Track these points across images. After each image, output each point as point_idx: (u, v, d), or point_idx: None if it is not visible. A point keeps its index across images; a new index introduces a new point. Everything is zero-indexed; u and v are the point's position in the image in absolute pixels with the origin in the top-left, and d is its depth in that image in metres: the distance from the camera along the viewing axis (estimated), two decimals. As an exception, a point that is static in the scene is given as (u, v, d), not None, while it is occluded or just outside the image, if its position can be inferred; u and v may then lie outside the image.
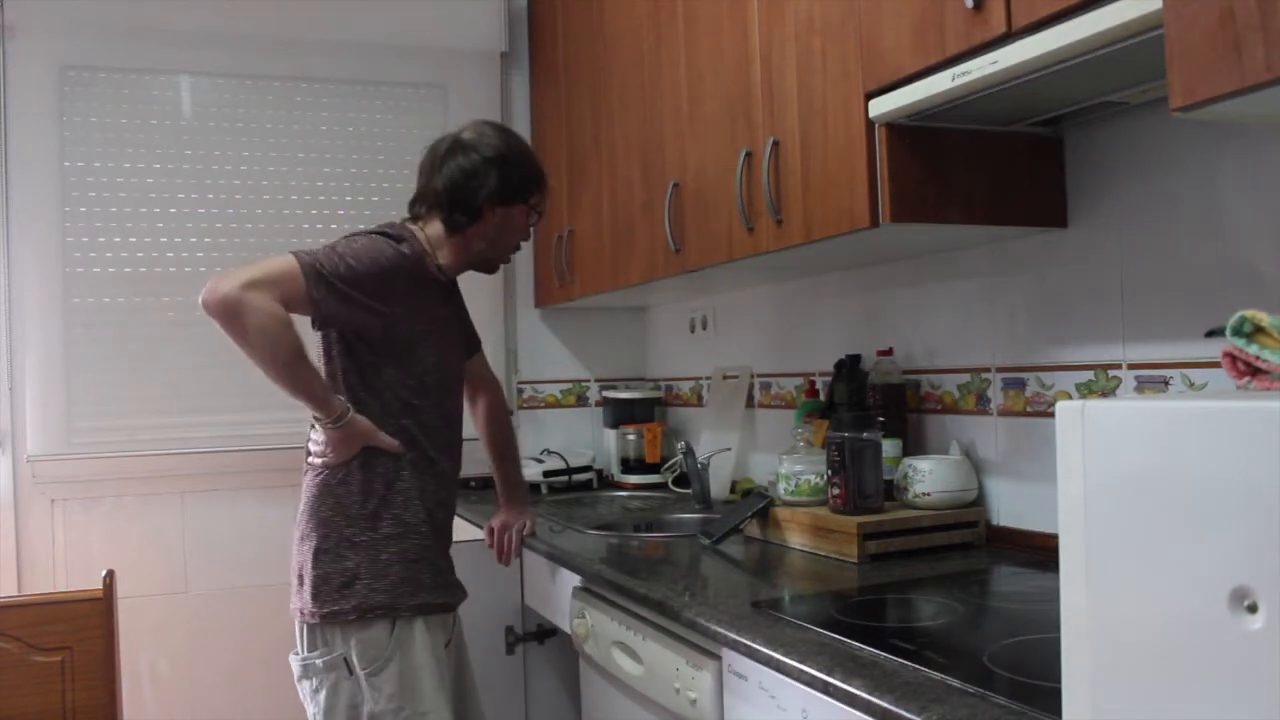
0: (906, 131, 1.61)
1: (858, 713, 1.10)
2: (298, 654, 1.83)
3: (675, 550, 2.03)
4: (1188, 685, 0.72)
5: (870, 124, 1.62)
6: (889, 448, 1.98)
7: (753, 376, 2.77)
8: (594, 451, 3.25)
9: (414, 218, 1.95)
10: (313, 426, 1.85)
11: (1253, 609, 0.68)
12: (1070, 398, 1.68)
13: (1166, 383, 1.58)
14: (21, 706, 2.08)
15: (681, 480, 2.84)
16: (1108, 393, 1.69)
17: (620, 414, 3.19)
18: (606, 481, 3.18)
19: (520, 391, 3.32)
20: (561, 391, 3.38)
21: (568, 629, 2.04)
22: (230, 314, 1.64)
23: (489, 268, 2.02)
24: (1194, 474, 0.72)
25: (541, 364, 3.35)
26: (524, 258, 3.25)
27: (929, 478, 1.87)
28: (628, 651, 1.75)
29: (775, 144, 1.88)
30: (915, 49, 1.51)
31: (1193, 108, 1.01)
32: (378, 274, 1.76)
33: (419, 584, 1.81)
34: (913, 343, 2.14)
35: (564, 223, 2.97)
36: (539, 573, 2.34)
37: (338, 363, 1.81)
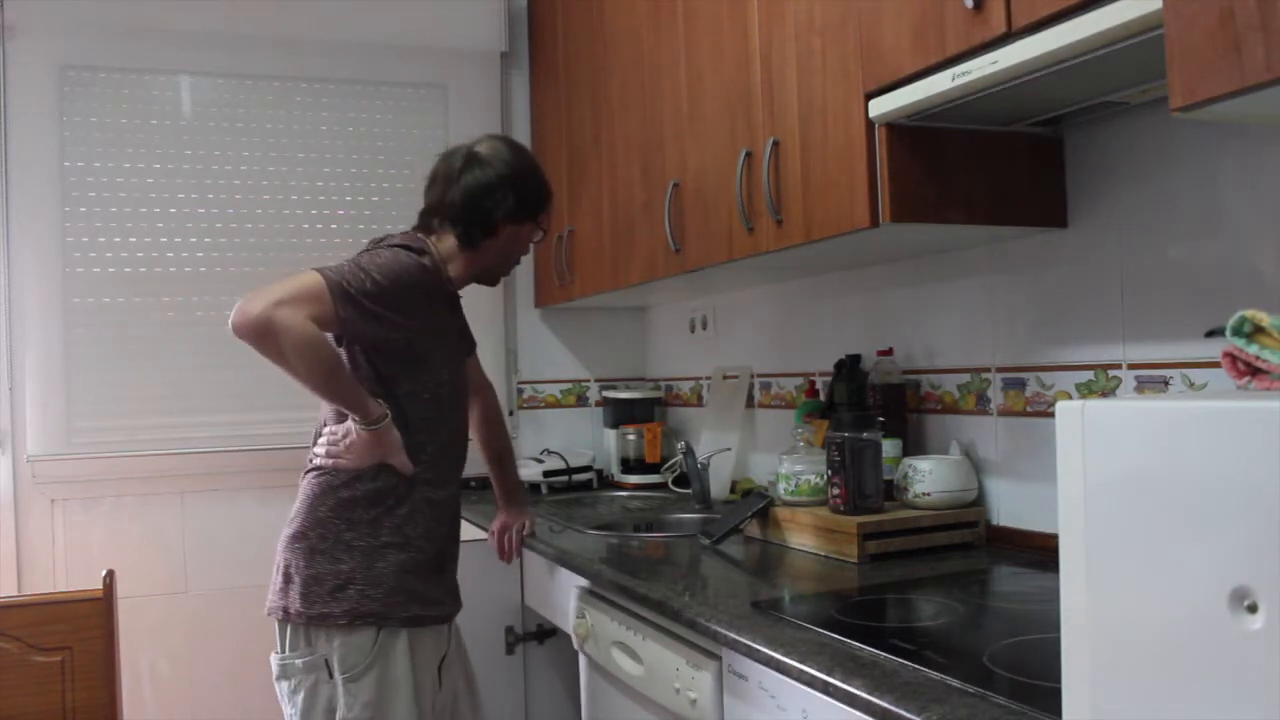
0: (906, 131, 1.61)
1: (858, 713, 1.10)
2: (278, 653, 1.81)
3: (675, 550, 2.03)
4: (1188, 685, 0.72)
5: (870, 124, 1.62)
6: (889, 448, 1.98)
7: (753, 376, 2.77)
8: (594, 451, 3.25)
9: (426, 229, 1.94)
10: (318, 434, 1.85)
11: (1253, 609, 0.68)
12: (1070, 398, 1.68)
13: (1166, 383, 1.58)
14: (21, 706, 2.08)
15: (681, 480, 2.84)
16: (1108, 393, 1.69)
17: (620, 414, 3.19)
18: (606, 481, 3.18)
19: (520, 391, 3.32)
20: (561, 391, 3.38)
21: (568, 629, 2.04)
22: (263, 336, 1.63)
23: (491, 280, 2.02)
24: (1194, 474, 0.72)
25: (541, 364, 3.35)
26: (524, 257, 3.25)
27: (929, 478, 1.87)
28: (628, 651, 1.75)
29: (775, 144, 1.88)
30: (915, 49, 1.51)
31: (1193, 108, 1.01)
32: (402, 289, 1.75)
33: (412, 595, 1.79)
34: (913, 343, 2.14)
35: (564, 223, 2.97)
36: (539, 573, 2.34)
37: (360, 374, 1.80)
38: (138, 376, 2.87)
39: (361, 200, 3.11)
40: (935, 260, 2.07)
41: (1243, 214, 1.46)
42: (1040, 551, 1.77)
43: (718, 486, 2.66)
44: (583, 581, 1.99)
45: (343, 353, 1.80)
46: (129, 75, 2.90)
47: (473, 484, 2.94)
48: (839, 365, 2.20)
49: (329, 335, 1.74)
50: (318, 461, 1.83)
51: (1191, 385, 1.54)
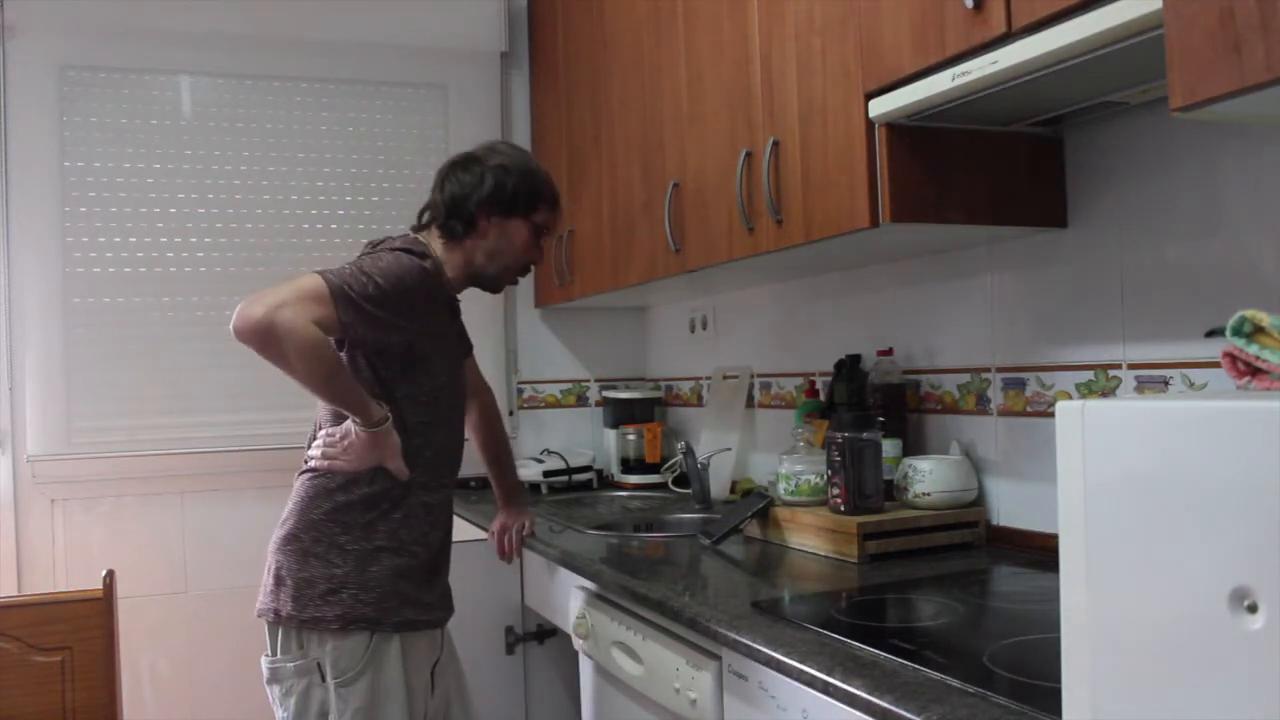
0: (906, 131, 1.61)
1: (858, 713, 1.10)
2: (269, 656, 1.80)
3: (675, 550, 2.03)
4: (1188, 685, 0.72)
5: (870, 124, 1.62)
6: (889, 448, 1.98)
7: (753, 376, 2.77)
8: (594, 451, 3.25)
9: (418, 227, 1.94)
10: (313, 438, 1.84)
11: (1253, 609, 0.68)
12: (1070, 398, 1.68)
13: (1166, 383, 1.58)
14: (21, 706, 2.08)
15: (681, 480, 2.84)
16: (1108, 393, 1.69)
17: (620, 414, 3.19)
18: (606, 481, 3.18)
19: (520, 391, 3.32)
20: (561, 391, 3.38)
21: (568, 629, 2.04)
22: (266, 339, 1.61)
23: (492, 286, 1.97)
24: (1194, 474, 0.72)
25: (541, 364, 3.35)
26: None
27: (929, 478, 1.87)
28: (628, 651, 1.75)
29: (775, 144, 1.88)
30: (915, 49, 1.51)
31: (1193, 108, 1.01)
32: (404, 292, 1.73)
33: (405, 600, 1.78)
34: (913, 343, 2.14)
35: (564, 223, 2.97)
36: (539, 573, 2.34)
37: (360, 377, 1.78)
38: (138, 376, 2.87)
39: (361, 200, 3.11)
40: (935, 260, 2.07)
41: (1243, 214, 1.46)
42: (1040, 551, 1.77)
43: (718, 486, 2.66)
44: (583, 581, 1.99)
45: (343, 356, 1.80)
46: (129, 75, 2.90)
47: (472, 484, 2.94)
48: (839, 365, 2.20)
49: (330, 339, 1.74)
50: (313, 464, 1.82)
51: (1191, 385, 1.54)
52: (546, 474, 3.05)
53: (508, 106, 3.30)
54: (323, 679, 1.74)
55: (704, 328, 3.04)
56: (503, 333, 3.28)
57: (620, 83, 2.61)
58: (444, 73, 3.20)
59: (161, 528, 2.89)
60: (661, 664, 1.62)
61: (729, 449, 2.70)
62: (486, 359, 3.00)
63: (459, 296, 1.96)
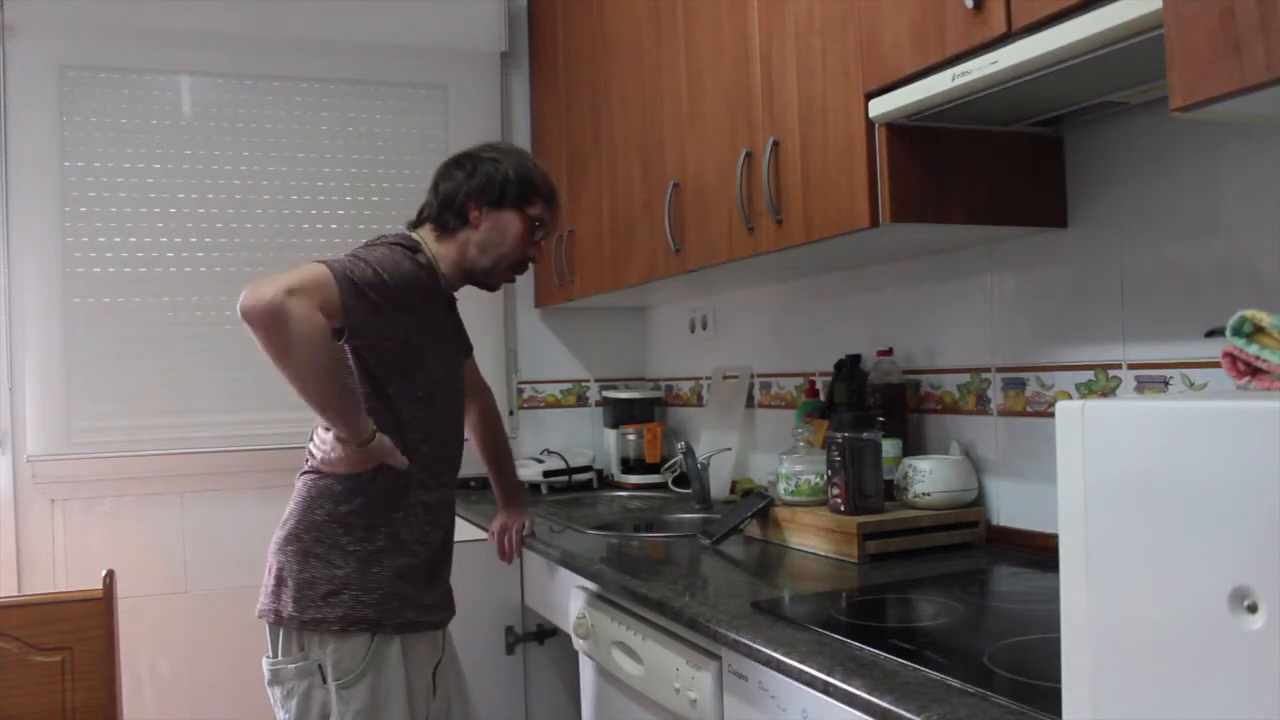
0: (906, 131, 1.61)
1: (858, 713, 1.10)
2: (270, 658, 1.79)
3: (675, 550, 2.03)
4: (1188, 685, 0.72)
5: (870, 124, 1.62)
6: (889, 448, 1.98)
7: (753, 376, 2.77)
8: (594, 451, 3.25)
9: (413, 225, 1.93)
10: (311, 438, 1.84)
11: (1253, 609, 0.68)
12: (1070, 398, 1.68)
13: (1166, 383, 1.58)
14: (21, 706, 2.08)
15: (681, 480, 2.84)
16: (1108, 393, 1.69)
17: (620, 414, 3.19)
18: (606, 481, 3.18)
19: (520, 391, 3.32)
20: (561, 391, 3.38)
21: (568, 629, 2.04)
22: (274, 322, 1.56)
23: (488, 282, 1.94)
24: (1194, 474, 0.72)
25: (541, 364, 3.35)
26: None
27: (929, 478, 1.87)
28: (628, 651, 1.75)
29: (775, 144, 1.88)
30: (915, 49, 1.51)
31: (1193, 108, 1.01)
32: (402, 284, 1.72)
33: (406, 601, 1.78)
34: (913, 343, 2.14)
35: (564, 223, 2.97)
36: (539, 573, 2.34)
37: (353, 373, 1.78)
38: (138, 376, 2.87)
39: (361, 200, 3.11)
40: (935, 260, 2.07)
41: (1243, 214, 1.46)
42: (1040, 551, 1.77)
43: (718, 486, 2.66)
44: (583, 581, 1.99)
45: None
46: (129, 75, 2.90)
47: (472, 484, 2.94)
48: (839, 365, 2.20)
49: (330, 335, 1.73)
50: (313, 464, 1.81)
51: (1191, 385, 1.54)
52: (546, 474, 3.05)
53: (508, 106, 3.30)
54: (324, 680, 1.74)
55: (704, 328, 3.04)
56: (503, 333, 3.28)
57: (620, 83, 2.61)
58: (444, 73, 3.20)
59: (161, 528, 2.89)
60: (661, 664, 1.62)
61: (729, 449, 2.70)
62: (486, 359, 3.00)
63: (456, 295, 1.96)
